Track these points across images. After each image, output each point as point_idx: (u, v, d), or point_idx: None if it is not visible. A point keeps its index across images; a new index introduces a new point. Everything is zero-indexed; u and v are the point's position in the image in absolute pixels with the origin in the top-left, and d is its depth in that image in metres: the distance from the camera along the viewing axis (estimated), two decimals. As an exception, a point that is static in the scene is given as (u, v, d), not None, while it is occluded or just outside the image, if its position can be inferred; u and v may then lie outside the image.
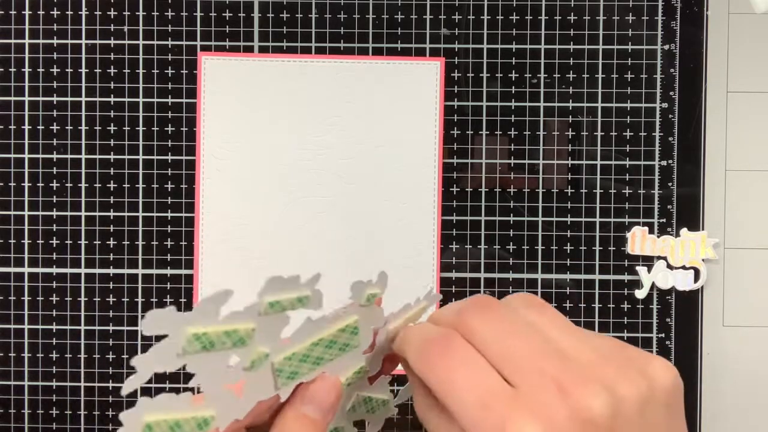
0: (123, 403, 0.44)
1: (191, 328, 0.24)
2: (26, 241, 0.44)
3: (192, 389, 0.24)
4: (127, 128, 0.44)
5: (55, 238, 0.44)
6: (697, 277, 0.44)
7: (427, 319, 0.29)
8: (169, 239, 0.44)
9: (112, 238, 0.44)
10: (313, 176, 0.44)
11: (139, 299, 0.44)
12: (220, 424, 0.25)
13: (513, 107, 0.44)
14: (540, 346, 0.25)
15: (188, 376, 0.24)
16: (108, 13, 0.44)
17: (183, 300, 0.44)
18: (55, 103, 0.44)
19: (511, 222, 0.44)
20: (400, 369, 0.31)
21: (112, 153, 0.44)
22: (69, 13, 0.44)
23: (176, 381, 0.43)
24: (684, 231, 0.44)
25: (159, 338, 0.23)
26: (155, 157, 0.44)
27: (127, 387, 0.23)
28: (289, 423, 0.27)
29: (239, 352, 0.25)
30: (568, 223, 0.44)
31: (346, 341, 0.28)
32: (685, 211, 0.44)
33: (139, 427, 0.23)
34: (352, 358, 0.29)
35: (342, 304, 0.28)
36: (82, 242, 0.44)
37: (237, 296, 0.25)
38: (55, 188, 0.44)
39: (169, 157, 0.44)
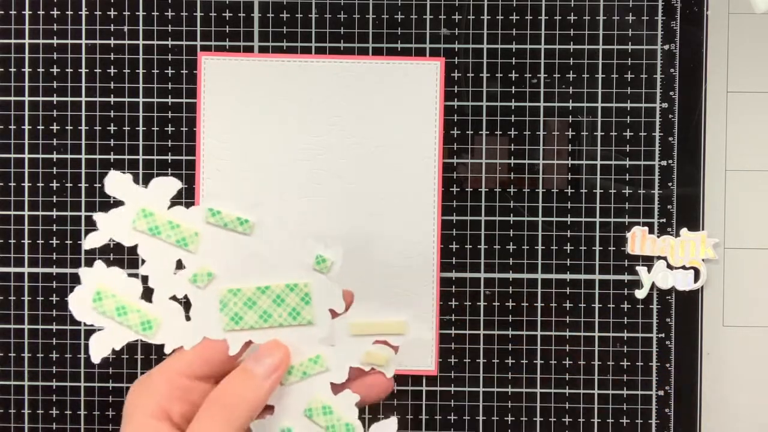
0: (123, 404, 0.44)
1: (141, 204, 0.27)
2: (26, 241, 0.44)
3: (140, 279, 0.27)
4: (127, 128, 0.44)
5: (55, 238, 0.44)
6: (697, 277, 0.44)
7: None
8: (169, 239, 0.44)
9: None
10: (313, 176, 0.44)
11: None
12: (164, 336, 0.27)
13: (513, 107, 0.44)
14: None
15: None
16: (108, 13, 0.44)
17: (183, 300, 0.44)
18: (55, 103, 0.44)
19: (511, 222, 0.44)
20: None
21: (112, 153, 0.44)
22: (69, 13, 0.44)
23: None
24: (684, 231, 0.44)
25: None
26: (155, 157, 0.44)
27: (89, 242, 0.27)
28: (231, 376, 0.28)
29: (185, 259, 0.28)
30: (568, 223, 0.44)
31: (297, 307, 0.28)
32: (685, 211, 0.44)
33: (92, 288, 0.27)
34: (306, 337, 0.29)
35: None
36: (82, 242, 0.44)
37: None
38: (55, 188, 0.44)
39: (169, 157, 0.44)
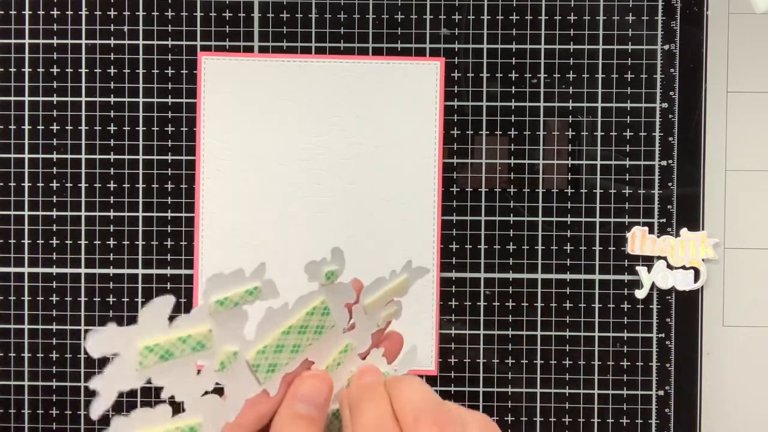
0: (123, 404, 0.44)
1: (141, 341, 0.23)
2: (26, 241, 0.44)
3: (167, 402, 0.24)
4: (127, 128, 0.44)
5: (55, 238, 0.44)
6: (697, 277, 0.44)
7: (391, 385, 0.28)
8: (169, 239, 0.44)
9: (112, 238, 0.44)
10: (313, 176, 0.44)
11: (139, 299, 0.44)
12: (210, 427, 0.25)
13: (513, 107, 0.44)
14: None
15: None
16: (108, 13, 0.44)
17: (183, 300, 0.44)
18: (55, 103, 0.44)
19: (511, 222, 0.44)
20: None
21: (112, 153, 0.44)
22: (69, 13, 0.44)
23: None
24: (684, 231, 0.44)
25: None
26: (155, 157, 0.44)
27: (95, 411, 0.22)
28: (285, 423, 0.27)
29: (204, 357, 0.25)
30: (568, 223, 0.44)
31: (319, 323, 0.28)
32: (685, 211, 0.44)
33: None
34: (333, 338, 0.29)
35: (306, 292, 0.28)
36: (82, 242, 0.44)
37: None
38: (55, 188, 0.44)
39: (169, 157, 0.44)
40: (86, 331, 0.44)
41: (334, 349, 0.29)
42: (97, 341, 0.22)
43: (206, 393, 0.26)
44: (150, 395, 0.43)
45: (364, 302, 0.30)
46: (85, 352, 0.44)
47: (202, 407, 0.25)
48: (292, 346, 0.27)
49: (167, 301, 0.24)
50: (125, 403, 0.43)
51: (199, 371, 0.25)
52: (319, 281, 0.28)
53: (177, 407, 0.24)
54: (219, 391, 0.25)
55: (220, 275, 0.25)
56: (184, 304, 0.44)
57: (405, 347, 0.32)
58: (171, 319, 0.24)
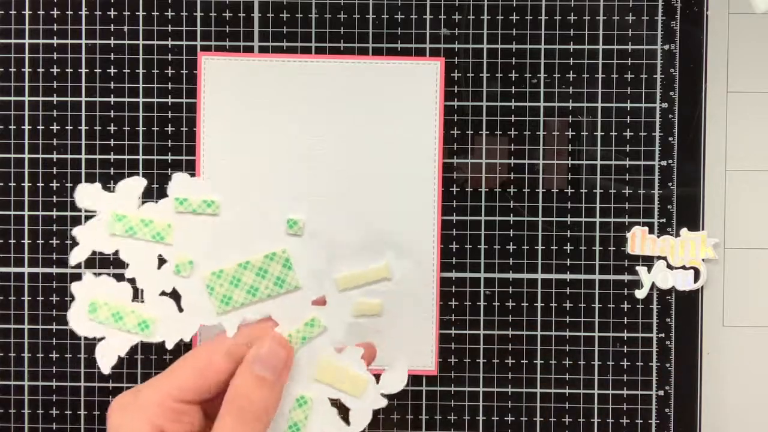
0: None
1: (113, 209, 0.28)
2: (26, 241, 0.44)
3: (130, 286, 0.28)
4: (127, 128, 0.44)
5: (55, 238, 0.44)
6: (697, 277, 0.44)
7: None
8: (169, 239, 0.44)
9: (112, 238, 0.44)
10: (313, 176, 0.44)
11: (139, 299, 0.44)
12: (163, 332, 0.28)
13: (513, 107, 0.44)
14: None
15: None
16: (108, 13, 0.44)
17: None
18: (55, 103, 0.44)
19: (511, 222, 0.44)
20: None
21: (112, 153, 0.44)
22: (69, 13, 0.44)
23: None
24: (684, 231, 0.44)
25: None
26: (155, 157, 0.44)
27: (73, 258, 0.29)
28: (243, 383, 0.28)
29: (165, 253, 0.29)
30: (568, 223, 0.44)
31: (281, 275, 0.29)
32: (685, 211, 0.44)
33: (86, 301, 0.28)
34: (298, 304, 0.29)
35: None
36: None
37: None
38: (55, 188, 0.44)
39: (169, 157, 0.44)
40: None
41: (300, 319, 0.29)
42: (83, 191, 0.29)
43: (164, 294, 0.29)
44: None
45: (334, 275, 0.30)
46: (86, 352, 0.44)
47: (160, 307, 0.28)
48: (249, 286, 0.28)
49: (140, 181, 0.29)
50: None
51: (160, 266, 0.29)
52: (282, 228, 0.29)
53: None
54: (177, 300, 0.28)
55: (185, 176, 0.29)
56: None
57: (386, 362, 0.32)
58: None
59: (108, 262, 0.42)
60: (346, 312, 0.30)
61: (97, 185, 0.28)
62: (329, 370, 0.29)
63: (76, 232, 0.28)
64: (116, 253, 0.28)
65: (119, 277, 0.29)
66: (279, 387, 0.28)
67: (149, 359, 0.44)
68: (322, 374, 0.29)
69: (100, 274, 0.29)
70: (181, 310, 0.29)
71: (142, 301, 0.29)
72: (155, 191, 0.44)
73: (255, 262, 0.29)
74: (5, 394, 0.44)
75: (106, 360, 0.29)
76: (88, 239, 0.28)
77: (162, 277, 0.29)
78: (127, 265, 0.28)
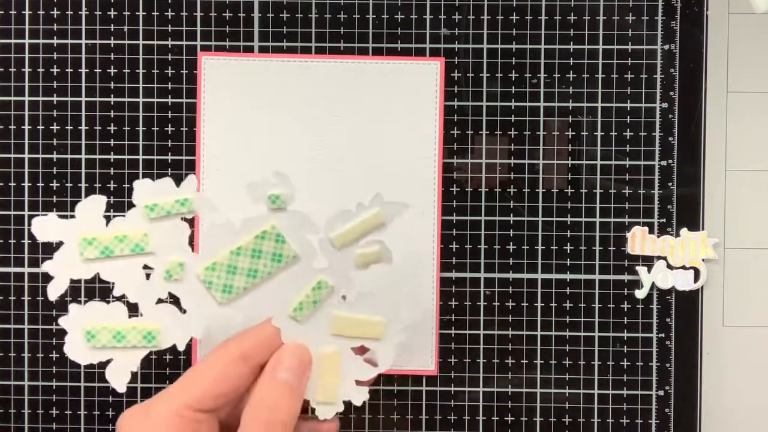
0: (123, 404, 0.44)
1: (79, 234, 0.27)
2: (26, 241, 0.44)
3: (123, 303, 0.27)
4: (127, 128, 0.44)
5: (55, 238, 0.44)
6: (697, 277, 0.44)
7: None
8: (169, 239, 0.44)
9: (112, 238, 0.44)
10: (313, 176, 0.44)
11: (139, 299, 0.44)
12: (171, 338, 0.27)
13: (513, 107, 0.44)
14: None
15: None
16: (108, 13, 0.44)
17: (169, 300, 0.44)
18: (55, 103, 0.44)
19: (511, 222, 0.44)
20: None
21: (112, 153, 0.44)
22: (69, 13, 0.44)
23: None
24: (684, 231, 0.44)
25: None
26: (155, 157, 0.44)
27: (51, 293, 0.27)
28: (269, 390, 0.27)
29: (150, 262, 0.28)
30: (568, 223, 0.44)
31: (276, 251, 0.29)
32: (685, 211, 0.44)
33: (80, 333, 0.26)
34: (301, 272, 0.29)
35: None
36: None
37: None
38: (55, 188, 0.44)
39: (169, 157, 0.44)
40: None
41: (306, 285, 0.29)
42: (40, 226, 0.27)
43: (161, 301, 0.27)
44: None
45: (329, 234, 0.30)
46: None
47: (161, 315, 0.27)
48: (248, 270, 0.28)
49: (99, 199, 0.28)
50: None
51: (148, 276, 0.28)
52: (265, 204, 0.29)
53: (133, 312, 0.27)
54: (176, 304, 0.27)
55: (144, 182, 0.28)
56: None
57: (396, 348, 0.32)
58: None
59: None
60: (350, 265, 0.30)
61: (52, 215, 0.27)
62: (345, 323, 0.30)
63: (47, 267, 0.27)
64: (95, 276, 0.27)
65: (104, 293, 0.29)
66: (301, 392, 0.28)
67: (149, 358, 0.44)
68: (340, 328, 0.29)
69: (86, 300, 0.28)
70: (183, 311, 0.29)
71: (141, 315, 0.28)
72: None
73: (246, 245, 0.28)
74: (5, 394, 0.44)
75: (119, 379, 0.28)
76: (62, 271, 0.27)
77: (153, 286, 0.28)
78: (113, 284, 0.27)
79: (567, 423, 0.44)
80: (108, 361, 0.27)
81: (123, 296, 0.28)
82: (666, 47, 0.44)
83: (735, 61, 0.44)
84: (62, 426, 0.44)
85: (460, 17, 0.44)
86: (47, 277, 0.44)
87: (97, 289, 0.41)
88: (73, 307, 0.27)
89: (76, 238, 0.27)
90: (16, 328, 0.44)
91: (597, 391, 0.44)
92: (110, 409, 0.44)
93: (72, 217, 0.27)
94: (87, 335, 0.27)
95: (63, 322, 0.27)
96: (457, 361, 0.44)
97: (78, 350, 0.28)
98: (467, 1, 0.44)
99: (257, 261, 0.28)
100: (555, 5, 0.44)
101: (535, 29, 0.44)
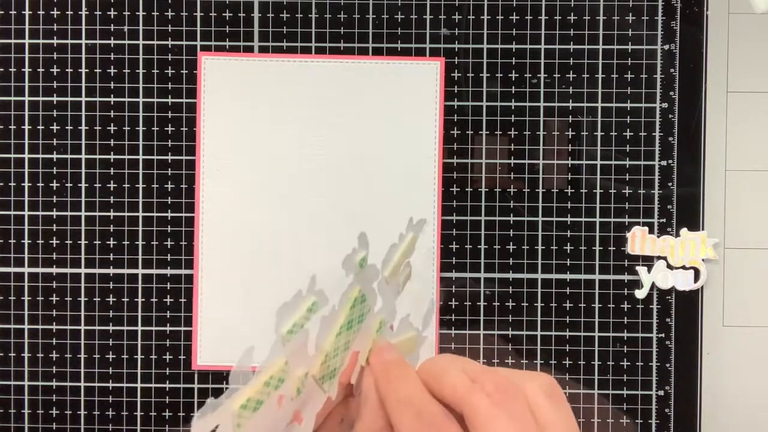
0: (123, 404, 0.44)
1: (235, 403, 0.22)
2: (26, 241, 0.44)
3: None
4: (127, 128, 0.44)
5: (55, 238, 0.44)
6: (697, 277, 0.44)
7: (429, 366, 0.27)
8: (169, 239, 0.44)
9: (112, 238, 0.44)
10: (313, 176, 0.44)
11: (139, 299, 0.44)
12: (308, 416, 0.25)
13: (513, 107, 0.44)
14: None
15: None
16: (108, 13, 0.44)
17: (183, 300, 0.44)
18: (55, 103, 0.44)
19: (511, 222, 0.44)
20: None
21: (112, 153, 0.44)
22: (69, 13, 0.44)
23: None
24: (684, 231, 0.44)
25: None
26: (155, 157, 0.44)
27: None
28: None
29: (283, 390, 0.24)
30: (568, 223, 0.44)
31: (360, 312, 0.28)
32: (685, 211, 0.44)
33: (231, 419, 0.22)
34: (370, 320, 0.28)
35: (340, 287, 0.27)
36: (82, 242, 0.44)
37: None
38: (55, 188, 0.44)
39: (169, 157, 0.44)
40: (86, 331, 0.44)
41: (372, 330, 0.28)
42: (202, 424, 0.21)
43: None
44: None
45: (384, 274, 0.29)
46: (86, 352, 0.44)
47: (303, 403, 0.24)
48: (344, 345, 0.27)
49: (250, 354, 0.23)
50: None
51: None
52: (355, 272, 0.27)
53: None
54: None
55: (286, 304, 0.24)
56: (184, 304, 0.44)
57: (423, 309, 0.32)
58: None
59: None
60: (395, 294, 0.30)
61: (210, 402, 0.21)
62: (378, 324, 0.29)
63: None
64: None
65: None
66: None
67: (149, 359, 0.44)
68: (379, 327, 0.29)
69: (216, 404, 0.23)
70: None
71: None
72: (155, 191, 0.44)
73: (344, 322, 0.26)
74: (5, 394, 0.44)
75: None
76: None
77: (284, 411, 0.24)
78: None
79: (567, 423, 0.44)
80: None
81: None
82: (666, 47, 0.44)
83: (735, 61, 0.44)
84: (62, 426, 0.44)
85: (460, 17, 0.44)
86: (47, 277, 0.44)
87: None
88: (210, 402, 0.21)
89: (232, 411, 0.22)
90: (16, 328, 0.44)
91: (597, 391, 0.44)
92: (110, 409, 0.44)
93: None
94: (241, 409, 0.22)
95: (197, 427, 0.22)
96: (457, 361, 0.44)
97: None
98: (467, 1, 0.44)
99: (350, 332, 0.27)
100: (555, 5, 0.44)
101: (535, 29, 0.44)
